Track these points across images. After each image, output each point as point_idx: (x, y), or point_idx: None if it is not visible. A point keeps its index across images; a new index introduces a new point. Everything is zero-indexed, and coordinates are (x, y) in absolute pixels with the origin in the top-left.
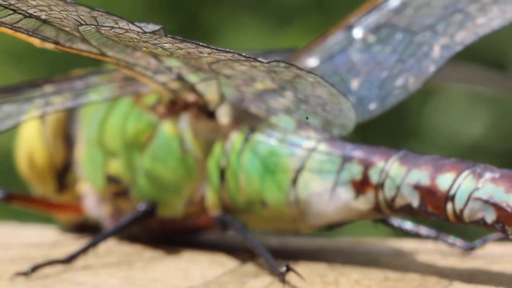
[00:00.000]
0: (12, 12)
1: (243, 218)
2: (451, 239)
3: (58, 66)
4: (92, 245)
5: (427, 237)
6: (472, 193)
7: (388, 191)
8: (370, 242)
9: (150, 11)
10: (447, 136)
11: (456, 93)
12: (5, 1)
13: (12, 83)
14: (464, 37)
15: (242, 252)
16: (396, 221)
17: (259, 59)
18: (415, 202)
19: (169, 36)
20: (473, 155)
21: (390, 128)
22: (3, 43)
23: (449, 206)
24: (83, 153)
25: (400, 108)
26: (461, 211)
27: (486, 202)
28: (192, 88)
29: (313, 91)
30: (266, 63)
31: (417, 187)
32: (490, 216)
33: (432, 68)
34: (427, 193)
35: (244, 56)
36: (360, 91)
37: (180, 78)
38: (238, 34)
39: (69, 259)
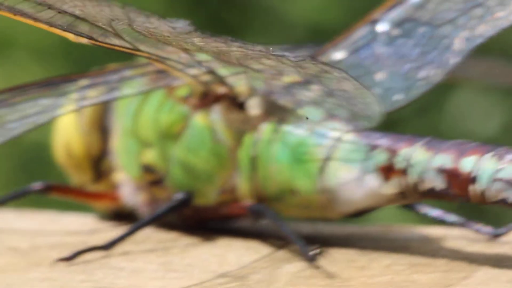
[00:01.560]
0: (47, 7)
1: (274, 206)
2: (478, 225)
3: (80, 62)
4: (131, 232)
5: (454, 224)
6: (494, 174)
7: (414, 176)
8: (399, 229)
9: (171, 8)
10: (464, 132)
11: (474, 89)
12: None
13: (35, 78)
14: (484, 30)
15: (275, 239)
16: (424, 208)
17: (287, 55)
18: (439, 185)
19: (199, 32)
20: None
21: (410, 124)
22: (26, 41)
23: (472, 187)
24: (118, 143)
25: (420, 104)
26: (484, 192)
27: (508, 182)
28: (222, 81)
29: (339, 85)
30: (294, 58)
31: (441, 171)
32: None
33: (453, 60)
34: (451, 176)
35: (273, 53)
36: (385, 83)
37: (210, 71)
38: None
39: (108, 246)
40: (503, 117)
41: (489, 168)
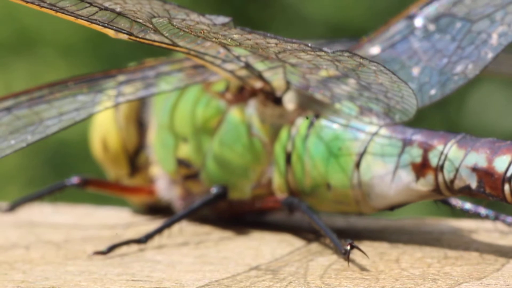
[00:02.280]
0: (88, 5)
1: (308, 200)
2: (510, 218)
3: (105, 58)
4: (167, 226)
5: (486, 217)
6: None
7: (447, 173)
8: (431, 222)
9: (197, 5)
10: (484, 125)
11: (494, 83)
12: None
13: (61, 75)
14: None
15: (308, 232)
16: (456, 202)
17: (324, 49)
18: (473, 183)
19: (238, 27)
20: None
21: (430, 116)
22: (52, 37)
23: (506, 187)
24: (154, 138)
25: (441, 101)
26: None
27: None
28: (259, 76)
29: (375, 78)
30: (331, 53)
31: (475, 169)
32: None
33: (490, 55)
34: (485, 175)
35: (310, 47)
36: (421, 77)
37: (247, 66)
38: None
39: (145, 239)
40: None
41: None
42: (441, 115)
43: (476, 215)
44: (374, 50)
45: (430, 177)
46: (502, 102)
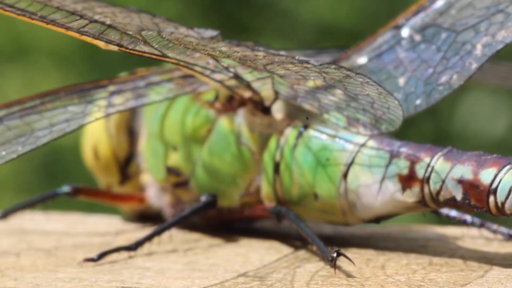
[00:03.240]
0: (79, 17)
1: (295, 210)
2: (495, 226)
3: (98, 67)
4: (157, 233)
5: (471, 224)
6: None
7: (433, 185)
8: (417, 229)
9: (188, 11)
10: (474, 134)
11: (482, 91)
12: (73, 8)
13: (54, 83)
14: (505, 36)
15: (296, 240)
16: (443, 210)
17: (311, 61)
18: (459, 195)
19: (226, 40)
20: (499, 153)
21: (422, 128)
22: (45, 46)
23: (491, 199)
24: (145, 146)
25: (431, 110)
26: (503, 203)
27: None
28: (248, 86)
29: (362, 90)
30: (318, 65)
31: (460, 181)
32: None
33: (474, 66)
34: (471, 187)
35: (297, 59)
36: (407, 87)
37: (236, 76)
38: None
39: (135, 246)
40: (510, 117)
41: (508, 181)
42: (432, 123)
43: (461, 222)
44: (361, 60)
45: (416, 188)
46: (489, 110)
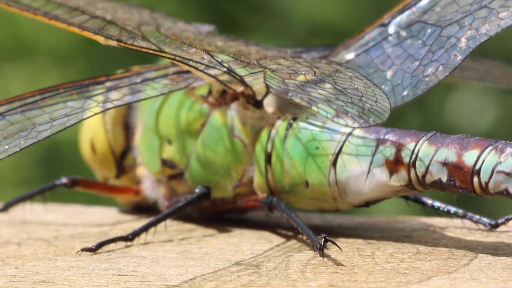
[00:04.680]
0: (80, 13)
1: (287, 198)
2: (477, 216)
3: (97, 64)
4: (153, 224)
5: (455, 215)
6: (496, 166)
7: (419, 169)
8: (404, 220)
9: (186, 7)
10: (462, 129)
11: (472, 88)
12: (75, 4)
13: (54, 82)
14: (488, 29)
15: (287, 230)
16: (427, 200)
17: (303, 56)
18: (444, 177)
19: (222, 35)
20: None
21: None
22: (46, 45)
23: (475, 179)
24: (140, 140)
25: (424, 101)
26: (486, 183)
27: (509, 174)
28: (241, 80)
29: (351, 84)
30: (310, 59)
31: (445, 164)
32: None
33: (459, 58)
34: (455, 168)
35: (289, 55)
36: (394, 80)
37: (230, 71)
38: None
39: (131, 236)
40: (496, 112)
41: (490, 161)
42: (422, 118)
43: (445, 213)
44: (349, 56)
45: (403, 173)
46: (476, 105)
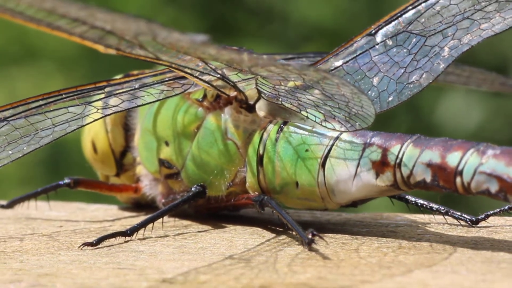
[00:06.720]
0: (81, 23)
1: (278, 198)
2: (459, 213)
3: (99, 70)
4: (150, 220)
5: (437, 212)
6: (478, 167)
7: (404, 170)
8: (388, 216)
9: (181, 13)
10: (450, 132)
11: (458, 93)
12: (76, 15)
13: (59, 86)
14: (470, 39)
15: (278, 226)
16: (411, 198)
17: (292, 64)
18: (428, 178)
19: (215, 44)
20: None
21: (405, 125)
22: (50, 51)
23: (458, 180)
24: (139, 141)
25: (414, 105)
26: (469, 183)
27: (490, 175)
28: (234, 86)
29: (338, 90)
30: (299, 67)
31: (429, 165)
32: (494, 187)
33: (442, 66)
34: (439, 169)
35: (279, 63)
36: (380, 86)
37: (223, 77)
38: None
39: (130, 232)
40: (481, 115)
41: (473, 163)
42: (412, 122)
43: (428, 210)
44: (338, 63)
45: (388, 174)
46: (463, 108)
